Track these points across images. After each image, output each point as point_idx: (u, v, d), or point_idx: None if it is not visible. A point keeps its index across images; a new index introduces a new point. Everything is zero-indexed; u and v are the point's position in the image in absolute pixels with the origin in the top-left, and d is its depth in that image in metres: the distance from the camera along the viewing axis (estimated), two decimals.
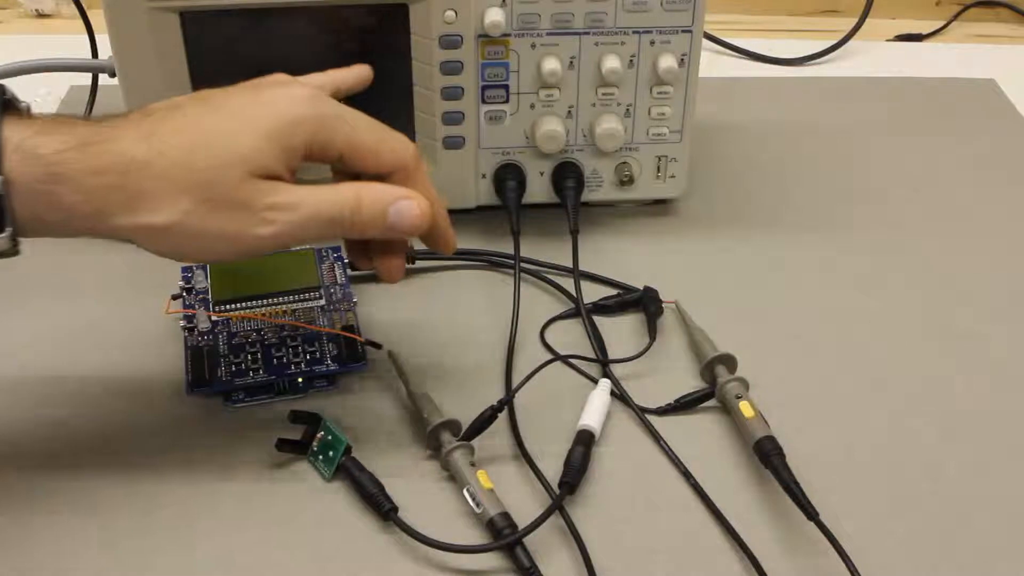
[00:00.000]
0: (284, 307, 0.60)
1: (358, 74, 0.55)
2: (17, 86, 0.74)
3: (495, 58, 0.65)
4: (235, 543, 0.50)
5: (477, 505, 0.50)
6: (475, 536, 0.50)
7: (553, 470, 0.53)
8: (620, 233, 0.71)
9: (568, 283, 0.64)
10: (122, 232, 0.46)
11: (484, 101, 0.66)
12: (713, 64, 0.94)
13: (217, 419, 0.56)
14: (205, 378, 0.56)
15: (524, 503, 0.51)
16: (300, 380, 0.57)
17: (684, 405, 0.57)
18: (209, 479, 0.53)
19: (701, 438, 0.56)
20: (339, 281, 0.62)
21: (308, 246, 0.64)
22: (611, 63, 0.64)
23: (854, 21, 0.97)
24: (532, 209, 0.69)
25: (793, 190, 0.76)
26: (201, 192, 0.46)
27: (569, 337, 0.62)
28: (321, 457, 0.53)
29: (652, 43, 0.65)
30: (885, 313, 0.65)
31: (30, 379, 0.58)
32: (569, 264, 0.64)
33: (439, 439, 0.53)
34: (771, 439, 0.53)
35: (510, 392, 0.56)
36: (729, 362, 0.58)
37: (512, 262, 0.64)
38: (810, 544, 0.50)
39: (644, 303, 0.63)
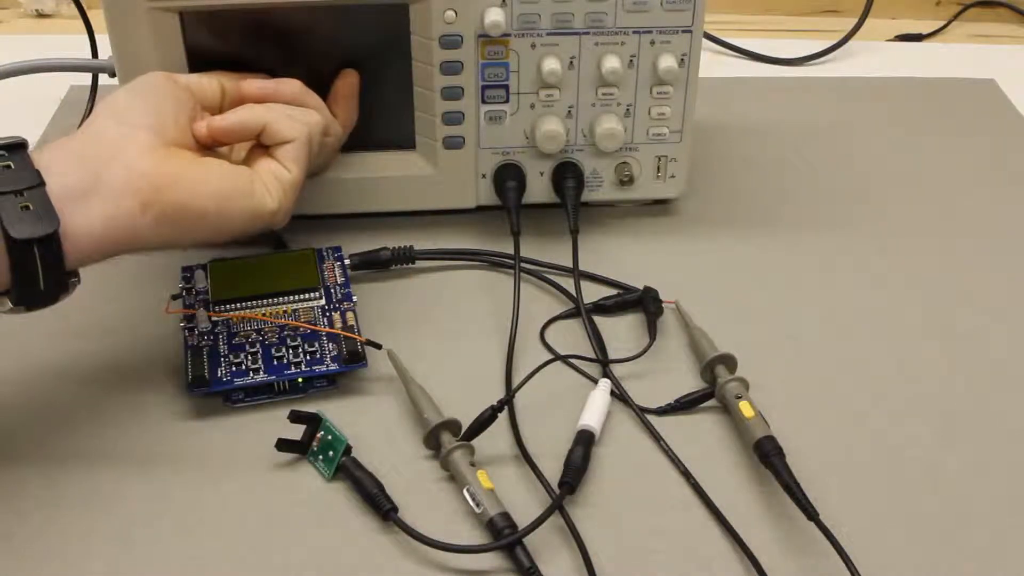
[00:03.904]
0: (284, 307, 0.60)
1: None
2: (17, 86, 0.76)
3: (495, 58, 0.65)
4: (235, 543, 0.50)
5: (477, 505, 0.50)
6: (475, 536, 0.50)
7: (553, 470, 0.53)
8: (620, 233, 0.71)
9: (568, 283, 0.64)
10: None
11: (484, 101, 0.66)
12: (713, 64, 0.94)
13: (217, 419, 0.56)
14: (205, 378, 0.55)
15: (524, 503, 0.51)
16: (300, 380, 0.57)
17: (684, 405, 0.57)
18: (209, 479, 0.53)
19: (701, 438, 0.56)
20: (339, 281, 0.62)
21: (307, 246, 0.64)
22: (611, 63, 0.64)
23: (854, 21, 0.97)
24: (532, 209, 0.69)
25: (793, 190, 0.76)
26: None
27: (569, 337, 0.62)
28: (321, 457, 0.53)
29: (652, 43, 0.65)
30: (885, 313, 0.65)
31: (31, 377, 0.58)
32: (569, 264, 0.64)
33: (439, 439, 0.53)
34: (771, 439, 0.53)
35: (510, 392, 0.56)
36: (729, 362, 0.58)
37: (512, 262, 0.64)
38: (810, 544, 0.50)
39: (644, 303, 0.63)
